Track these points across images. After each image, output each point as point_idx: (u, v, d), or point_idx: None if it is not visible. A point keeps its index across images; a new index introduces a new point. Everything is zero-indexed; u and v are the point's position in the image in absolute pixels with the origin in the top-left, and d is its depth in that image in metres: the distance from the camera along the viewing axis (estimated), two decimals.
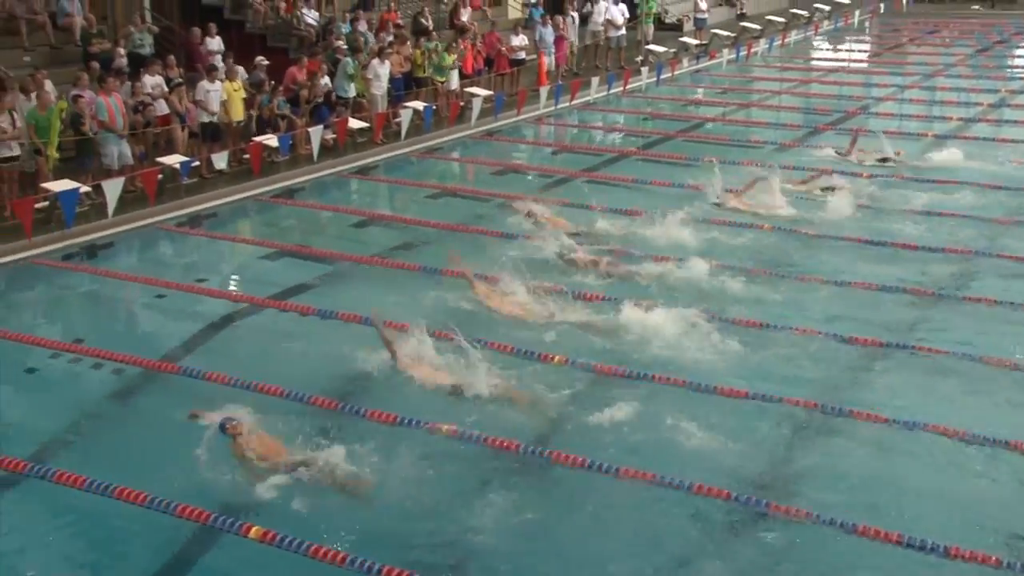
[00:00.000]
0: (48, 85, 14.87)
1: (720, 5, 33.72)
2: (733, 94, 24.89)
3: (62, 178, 13.91)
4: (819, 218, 14.47)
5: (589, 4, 26.14)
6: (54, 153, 14.32)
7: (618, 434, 8.93)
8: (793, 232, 13.94)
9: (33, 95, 14.34)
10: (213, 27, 19.74)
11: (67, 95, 14.93)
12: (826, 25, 35.19)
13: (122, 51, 17.65)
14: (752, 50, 28.89)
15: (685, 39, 28.83)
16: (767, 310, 11.40)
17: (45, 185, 13.75)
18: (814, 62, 30.06)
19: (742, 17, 33.34)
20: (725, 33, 30.15)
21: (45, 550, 7.39)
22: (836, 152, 18.06)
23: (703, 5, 30.09)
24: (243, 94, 16.96)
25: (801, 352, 10.41)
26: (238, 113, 16.80)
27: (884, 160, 17.36)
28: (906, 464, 8.54)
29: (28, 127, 13.95)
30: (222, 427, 8.13)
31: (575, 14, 25.42)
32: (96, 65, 16.25)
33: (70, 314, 11.75)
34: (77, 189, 13.56)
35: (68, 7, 18.55)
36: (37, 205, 13.34)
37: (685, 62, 27.11)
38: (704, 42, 29.34)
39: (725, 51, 28.32)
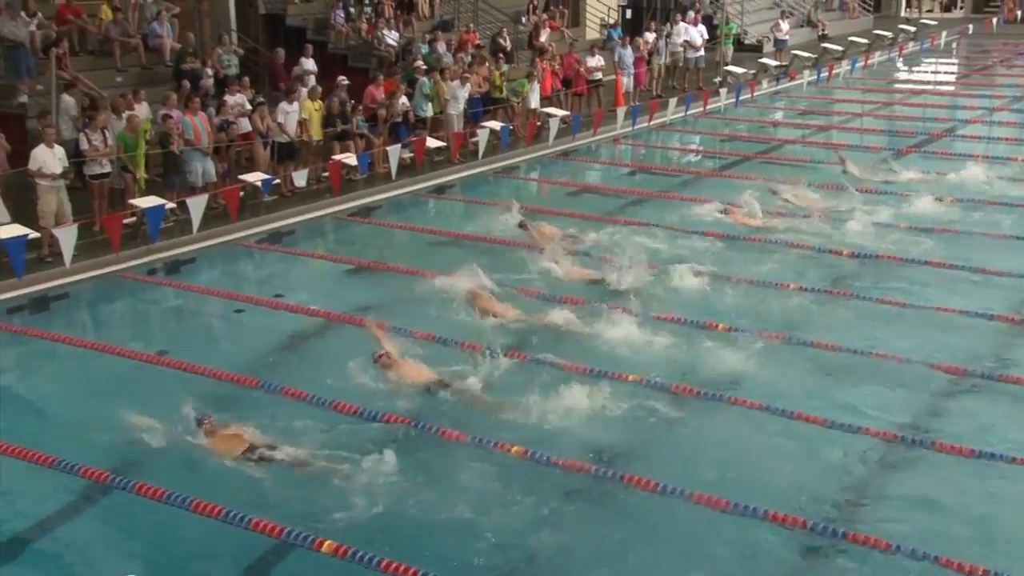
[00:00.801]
0: (144, 108, 15.33)
1: (801, 26, 33.31)
2: (813, 116, 24.53)
3: (149, 195, 14.31)
4: (898, 242, 14.21)
5: (669, 25, 26.07)
6: (143, 174, 14.74)
7: (691, 456, 8.83)
8: (872, 258, 13.69)
9: (124, 115, 14.75)
10: (309, 48, 20.18)
11: (156, 115, 15.35)
12: (911, 46, 34.50)
13: (209, 71, 18.15)
14: (834, 71, 28.44)
15: (764, 60, 28.54)
16: (846, 334, 11.21)
17: (132, 201, 14.14)
18: (898, 84, 29.50)
19: (824, 38, 32.87)
20: (806, 54, 29.77)
21: (123, 559, 7.52)
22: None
23: (784, 26, 29.78)
24: (323, 113, 17.25)
25: (882, 379, 10.20)
26: (317, 132, 17.08)
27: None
28: (989, 497, 8.29)
29: (118, 146, 14.37)
30: (198, 422, 8.69)
31: (651, 35, 25.28)
32: (187, 83, 16.70)
33: (153, 327, 12.03)
34: (163, 205, 13.91)
35: (159, 30, 19.13)
36: (125, 220, 13.72)
37: (764, 83, 26.81)
38: (784, 63, 29.01)
39: (806, 72, 27.93)
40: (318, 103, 17.16)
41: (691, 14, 26.92)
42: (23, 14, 17.27)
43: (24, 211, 13.36)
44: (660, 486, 8.20)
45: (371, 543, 7.39)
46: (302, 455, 8.56)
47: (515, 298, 12.08)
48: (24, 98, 16.61)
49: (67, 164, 13.51)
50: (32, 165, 13.18)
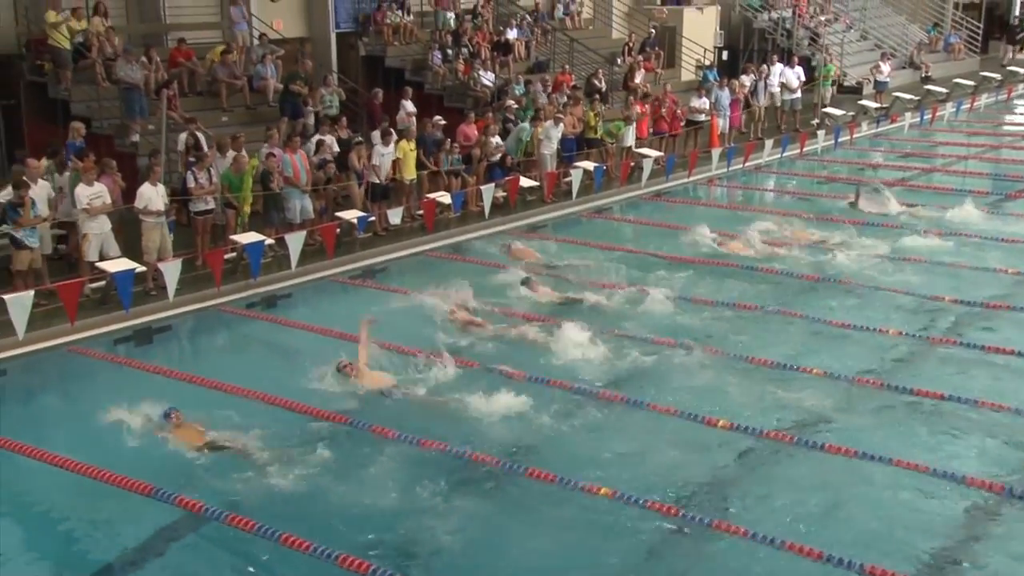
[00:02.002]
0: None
1: (903, 68, 32.66)
2: (915, 159, 23.97)
3: (250, 231, 14.70)
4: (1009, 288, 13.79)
5: (767, 66, 25.85)
6: (248, 209, 15.17)
7: (784, 503, 8.64)
8: (978, 305, 13.29)
9: (229, 155, 15.22)
10: (408, 91, 20.62)
11: (259, 153, 15.81)
12: (1021, 88, 33.46)
13: (311, 110, 18.67)
14: (937, 114, 27.79)
15: (864, 102, 28.04)
16: (946, 380, 10.89)
17: (233, 237, 14.54)
18: (1006, 127, 28.62)
19: (927, 80, 32.14)
20: (908, 96, 29.17)
21: None
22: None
23: (885, 68, 29.23)
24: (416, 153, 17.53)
25: (984, 427, 9.85)
26: (411, 171, 17.34)
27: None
28: None
29: (222, 184, 14.81)
30: (166, 415, 9.72)
31: (747, 77, 25.06)
32: (286, 120, 17.14)
33: (250, 360, 12.26)
34: (263, 241, 14.27)
35: (264, 72, 19.75)
36: (226, 256, 14.10)
37: (864, 126, 26.35)
38: (885, 105, 28.46)
39: (907, 115, 27.35)
40: (412, 144, 17.44)
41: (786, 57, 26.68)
42: (144, 59, 18.03)
43: (131, 246, 13.85)
44: (750, 533, 8.03)
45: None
46: (251, 445, 9.43)
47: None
48: (136, 137, 17.28)
49: (167, 201, 13.98)
50: (138, 202, 13.68)
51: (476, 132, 18.76)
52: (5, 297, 11.61)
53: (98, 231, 13.27)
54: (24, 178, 12.99)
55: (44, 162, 13.89)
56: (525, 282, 14.17)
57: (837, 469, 9.23)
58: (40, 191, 13.16)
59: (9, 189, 12.97)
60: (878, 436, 9.85)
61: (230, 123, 18.71)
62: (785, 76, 25.59)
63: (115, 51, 18.10)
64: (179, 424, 9.74)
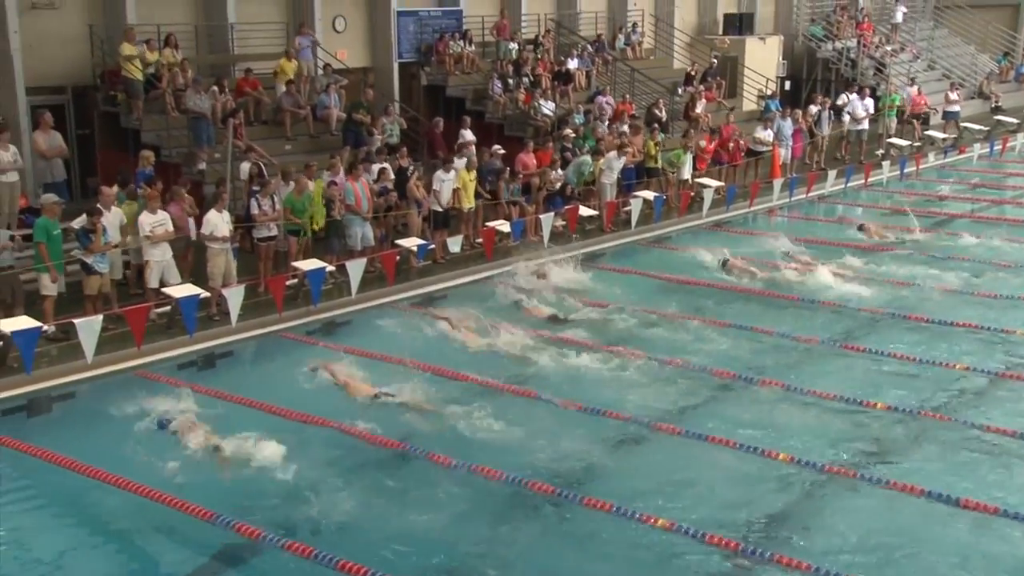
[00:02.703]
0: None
1: (972, 98, 32.12)
2: (984, 190, 23.51)
3: (311, 257, 14.90)
4: None
5: (846, 96, 25.59)
6: (320, 222, 15.36)
7: (846, 539, 8.48)
8: None
9: (292, 181, 15.46)
10: (467, 119, 20.82)
11: (322, 180, 16.04)
12: None
13: (378, 138, 18.93)
14: (1008, 145, 27.24)
15: (931, 132, 27.62)
16: (1016, 417, 10.63)
17: (295, 264, 14.74)
18: None
19: (997, 110, 31.60)
20: (977, 127, 28.66)
21: None
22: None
23: (953, 96, 28.75)
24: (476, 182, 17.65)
25: None
26: (469, 200, 17.44)
27: None
28: None
29: (285, 209, 15.04)
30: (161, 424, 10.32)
31: (816, 108, 24.82)
32: (348, 148, 17.39)
33: (308, 385, 12.34)
34: (323, 268, 14.44)
35: (327, 101, 20.07)
36: (288, 282, 14.29)
37: (931, 156, 25.94)
38: (953, 136, 27.98)
39: (976, 146, 26.87)
40: (472, 173, 17.57)
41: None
42: (212, 88, 18.45)
43: (197, 271, 14.10)
44: (812, 568, 7.88)
45: None
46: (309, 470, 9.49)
47: None
48: (203, 165, 17.65)
49: (232, 228, 14.24)
50: (205, 228, 13.96)
51: (534, 161, 18.81)
52: (75, 321, 11.88)
53: (159, 258, 13.55)
54: (97, 205, 13.33)
55: (114, 190, 14.23)
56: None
57: (902, 506, 9.04)
58: (112, 218, 13.49)
59: (83, 216, 13.32)
60: (945, 473, 9.64)
61: (293, 151, 19.02)
62: (851, 106, 25.33)
63: (185, 82, 18.56)
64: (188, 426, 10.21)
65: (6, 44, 17.46)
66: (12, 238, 13.22)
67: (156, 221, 13.58)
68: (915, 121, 27.60)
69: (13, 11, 17.47)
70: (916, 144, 26.61)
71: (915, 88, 28.64)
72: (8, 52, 17.48)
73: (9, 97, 17.64)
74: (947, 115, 28.64)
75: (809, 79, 32.11)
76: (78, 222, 13.44)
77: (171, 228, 13.69)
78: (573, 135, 20.27)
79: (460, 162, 17.55)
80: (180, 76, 18.75)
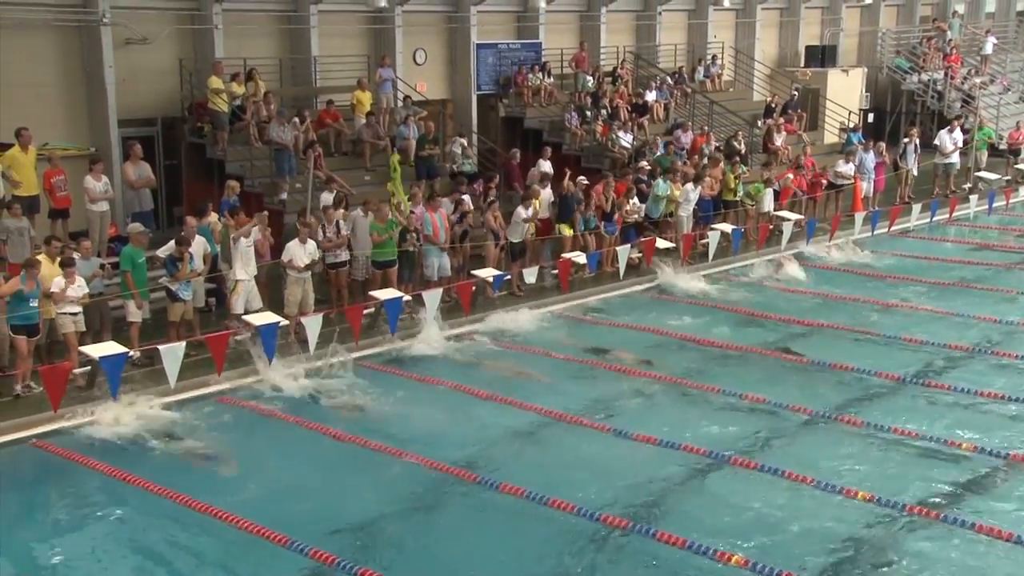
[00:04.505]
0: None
1: None
2: None
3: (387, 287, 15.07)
4: None
5: (948, 131, 25.03)
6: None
7: None
8: None
9: (371, 211, 15.64)
10: (547, 150, 20.92)
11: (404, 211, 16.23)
12: None
13: (454, 167, 19.12)
14: None
15: (1022, 166, 26.86)
16: None
17: (373, 293, 14.90)
18: None
19: None
20: None
21: None
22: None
23: None
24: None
25: None
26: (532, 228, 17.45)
27: None
28: None
29: (372, 233, 15.19)
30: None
31: (914, 141, 24.32)
32: (424, 183, 17.63)
33: (384, 415, 12.42)
34: (400, 298, 14.58)
35: (406, 132, 20.35)
36: (365, 311, 14.44)
37: (1021, 191, 25.22)
38: None
39: None
40: (539, 203, 17.62)
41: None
42: (295, 120, 18.88)
43: (275, 299, 14.35)
44: None
45: None
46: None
47: None
48: (284, 195, 18.02)
49: (316, 258, 14.48)
50: (284, 257, 14.24)
51: (613, 193, 18.74)
52: (160, 348, 12.18)
53: (247, 279, 13.83)
54: (183, 234, 13.70)
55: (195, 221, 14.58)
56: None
57: (987, 551, 8.73)
58: (196, 247, 13.84)
59: (171, 244, 13.69)
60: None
61: (373, 182, 19.30)
62: (940, 140, 24.78)
63: (269, 114, 19.00)
64: None
65: (101, 78, 18.12)
66: (103, 266, 13.64)
67: (248, 244, 13.95)
68: (1011, 155, 26.93)
69: (108, 47, 18.13)
70: (1007, 178, 25.91)
71: (1014, 123, 27.95)
72: (103, 86, 18.13)
73: (103, 129, 18.28)
74: None
75: (893, 111, 31.56)
76: (163, 251, 13.81)
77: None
78: (649, 168, 20.18)
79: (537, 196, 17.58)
80: (264, 108, 19.21)
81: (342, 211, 15.63)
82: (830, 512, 9.42)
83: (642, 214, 18.91)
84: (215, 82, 18.76)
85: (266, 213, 15.30)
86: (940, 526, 9.16)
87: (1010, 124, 28.74)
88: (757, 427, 11.52)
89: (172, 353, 12.08)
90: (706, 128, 24.23)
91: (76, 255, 12.90)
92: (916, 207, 22.01)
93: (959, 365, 13.57)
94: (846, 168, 22.28)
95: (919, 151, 24.42)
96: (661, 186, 19.14)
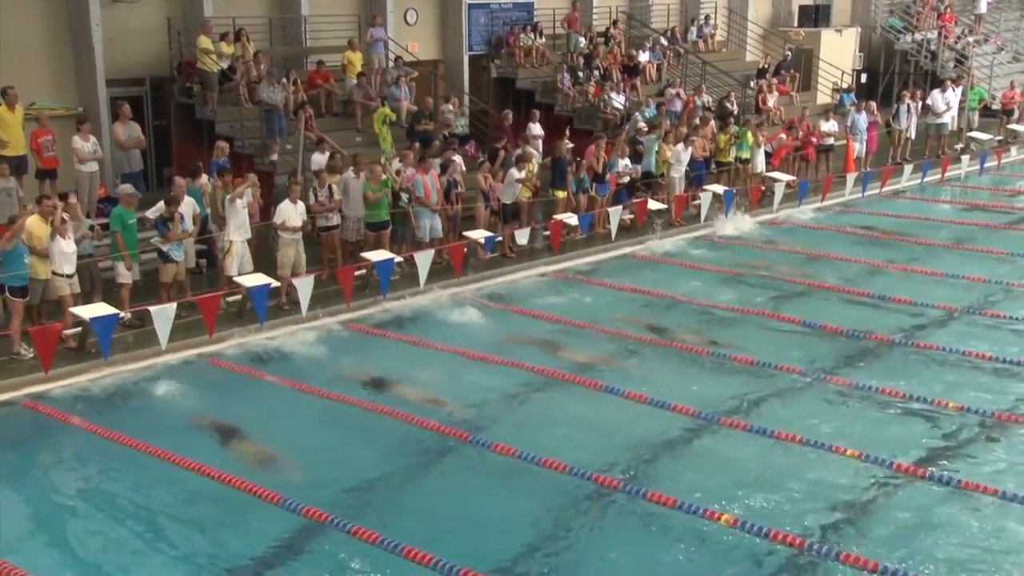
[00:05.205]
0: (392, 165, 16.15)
1: None
2: None
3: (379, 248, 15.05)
4: None
5: (941, 91, 24.91)
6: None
7: (914, 539, 8.36)
8: None
9: (364, 171, 15.56)
10: (536, 113, 20.82)
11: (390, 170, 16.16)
12: None
13: (446, 132, 19.01)
14: None
15: (1014, 126, 26.84)
16: None
17: (364, 254, 14.88)
18: None
19: None
20: None
21: None
22: None
23: None
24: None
25: None
26: (527, 191, 17.39)
27: None
28: None
29: (365, 192, 15.15)
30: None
31: (912, 103, 24.20)
32: (418, 145, 17.56)
33: (375, 375, 12.46)
34: (392, 259, 14.56)
35: (397, 93, 20.21)
36: (357, 273, 14.44)
37: (1013, 151, 25.23)
38: None
39: None
40: (533, 163, 17.56)
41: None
42: (284, 81, 18.73)
43: (263, 261, 14.31)
44: (879, 567, 7.75)
45: None
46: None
47: None
48: (275, 156, 17.93)
49: (306, 218, 14.44)
50: (277, 218, 14.18)
51: (604, 155, 18.70)
52: (151, 309, 12.17)
53: (240, 241, 13.80)
54: (172, 194, 13.64)
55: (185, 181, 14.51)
56: None
57: (975, 508, 8.83)
58: (186, 207, 13.77)
59: (160, 204, 13.64)
60: (1019, 474, 9.40)
61: (364, 143, 19.20)
62: (932, 99, 24.69)
63: (259, 74, 18.85)
64: None
65: (88, 37, 17.93)
66: (92, 227, 13.58)
67: (243, 204, 13.90)
68: (1004, 116, 26.88)
69: (96, 5, 17.92)
70: (998, 138, 25.90)
71: (1007, 83, 27.86)
72: (90, 45, 17.95)
73: (90, 89, 18.12)
74: None
75: (887, 72, 31.43)
76: (153, 211, 13.77)
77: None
78: (646, 130, 20.08)
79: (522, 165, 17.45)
80: (254, 68, 19.06)
81: (341, 173, 15.58)
82: (819, 471, 9.51)
83: (638, 173, 18.91)
84: (204, 42, 18.59)
85: (255, 176, 15.20)
86: (927, 483, 9.26)
87: (1003, 84, 28.68)
88: (747, 387, 11.58)
89: (163, 315, 12.08)
90: (697, 89, 24.06)
91: (65, 215, 12.82)
92: (907, 168, 22.02)
93: (948, 325, 13.65)
94: (828, 126, 22.18)
95: (916, 113, 24.27)
96: (652, 140, 19.13)
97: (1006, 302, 14.48)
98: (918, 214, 20.01)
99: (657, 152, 19.11)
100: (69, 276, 12.47)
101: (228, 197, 13.94)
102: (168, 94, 19.46)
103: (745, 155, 20.49)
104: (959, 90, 25.39)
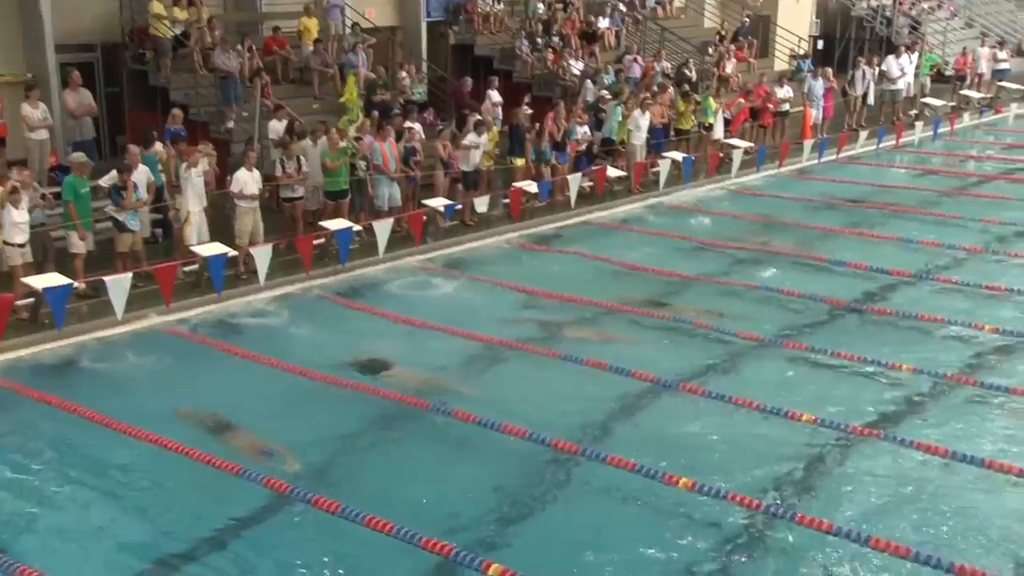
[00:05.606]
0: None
1: (1012, 57, 31.47)
2: (1020, 151, 23.15)
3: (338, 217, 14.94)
4: None
5: (896, 57, 25.06)
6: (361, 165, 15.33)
7: (871, 499, 8.49)
8: None
9: (323, 138, 15.41)
10: (495, 80, 20.69)
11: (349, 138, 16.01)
12: None
13: (401, 100, 18.86)
14: None
15: (966, 92, 27.16)
16: None
17: (323, 223, 14.77)
18: None
19: None
20: (1014, 86, 28.13)
21: (290, 570, 7.80)
22: None
23: (1002, 55, 28.05)
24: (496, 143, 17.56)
25: None
26: (488, 160, 17.36)
27: None
28: None
29: (323, 161, 15.01)
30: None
31: (867, 68, 24.35)
32: (376, 114, 17.42)
33: (332, 345, 12.41)
34: (351, 228, 14.47)
35: (355, 60, 20.00)
36: (315, 242, 14.34)
37: (966, 116, 25.54)
38: (989, 95, 27.49)
39: (1013, 105, 26.43)
40: (493, 132, 17.50)
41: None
42: (239, 47, 18.45)
43: (219, 230, 14.17)
44: (834, 527, 7.90)
45: None
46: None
47: None
48: (231, 124, 17.70)
49: (262, 186, 14.29)
50: (234, 187, 14.02)
51: (564, 122, 18.67)
52: (105, 279, 12.01)
53: (198, 211, 13.64)
54: (127, 162, 13.42)
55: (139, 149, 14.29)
56: None
57: (926, 467, 9.02)
58: (140, 176, 13.56)
59: (113, 173, 13.42)
60: (969, 435, 9.60)
61: (321, 111, 19.00)
62: (887, 65, 24.87)
63: (213, 40, 18.55)
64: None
65: (36, 2, 17.48)
66: (43, 196, 13.34)
67: (198, 172, 13.68)
68: (957, 82, 27.18)
69: None
70: (951, 104, 26.21)
71: (960, 49, 28.14)
72: (38, 9, 17.50)
73: (39, 55, 17.67)
74: (997, 74, 28.00)
75: (843, 38, 31.61)
76: (106, 180, 13.54)
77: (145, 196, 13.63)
78: (610, 98, 20.04)
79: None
80: (208, 35, 18.75)
81: (306, 143, 15.40)
82: (776, 434, 9.63)
83: (598, 142, 18.92)
84: (157, 7, 18.24)
85: (209, 144, 15.00)
86: (881, 444, 9.42)
87: (956, 50, 28.98)
88: (705, 352, 11.69)
89: (118, 285, 11.92)
90: (656, 56, 24.06)
91: (17, 183, 12.57)
92: (863, 134, 22.23)
93: (901, 290, 13.85)
94: (784, 92, 22.29)
95: (873, 80, 24.41)
96: (613, 106, 19.15)
97: (959, 266, 14.71)
98: (874, 180, 20.24)
99: (620, 120, 19.12)
100: (21, 246, 12.26)
101: (183, 166, 13.74)
102: (120, 61, 19.10)
103: (709, 120, 20.56)
104: (914, 56, 25.62)
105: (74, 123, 16.33)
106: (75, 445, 9.63)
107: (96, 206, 13.54)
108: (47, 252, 12.99)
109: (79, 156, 13.64)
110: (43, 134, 15.59)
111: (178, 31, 18.58)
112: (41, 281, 11.80)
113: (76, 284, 12.15)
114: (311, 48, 19.90)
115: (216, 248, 13.21)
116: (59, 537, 8.21)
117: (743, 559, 7.83)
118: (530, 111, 18.55)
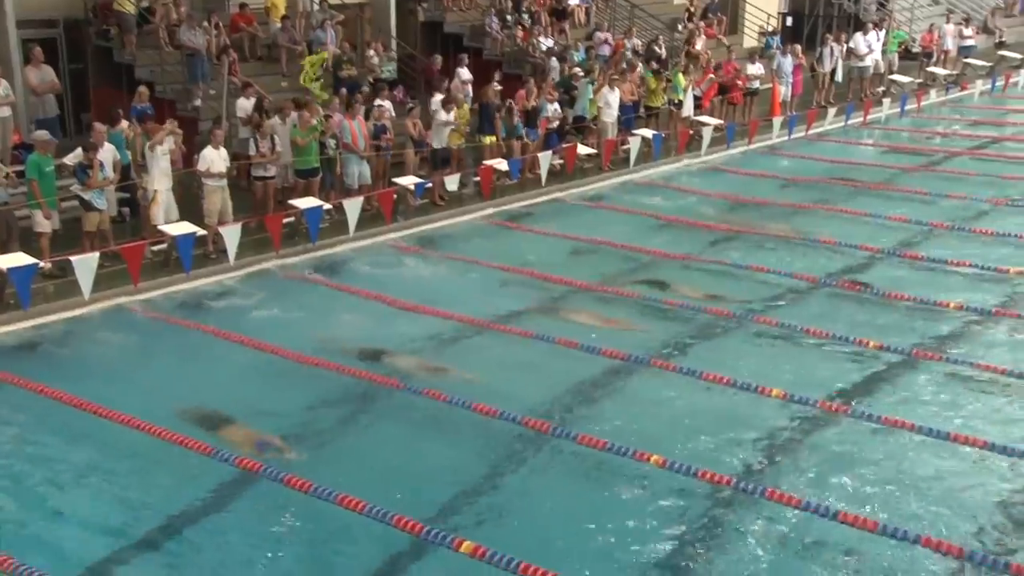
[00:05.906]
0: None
1: (977, 33, 31.71)
2: (986, 127, 23.37)
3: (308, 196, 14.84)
4: None
5: (863, 34, 25.12)
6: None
7: (839, 474, 8.64)
8: None
9: (292, 115, 15.26)
10: (464, 57, 20.56)
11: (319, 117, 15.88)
12: None
13: (371, 79, 18.71)
14: (1011, 81, 27.01)
15: (933, 69, 27.35)
16: (1009, 355, 10.69)
17: (292, 202, 14.67)
18: None
19: (1001, 45, 31.24)
20: (980, 63, 28.35)
21: (263, 547, 7.80)
22: None
23: (968, 32, 28.24)
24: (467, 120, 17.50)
25: None
26: (459, 138, 17.28)
27: None
28: None
29: (292, 142, 14.87)
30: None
31: (835, 45, 24.42)
32: (344, 91, 17.28)
33: (302, 323, 12.35)
34: (321, 207, 14.38)
35: (323, 37, 19.80)
36: (285, 220, 14.24)
37: (933, 93, 25.73)
38: (956, 72, 27.69)
39: (979, 82, 26.64)
40: (464, 110, 17.42)
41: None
42: (206, 24, 18.21)
43: (187, 209, 14.03)
44: (803, 503, 8.00)
45: None
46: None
47: None
48: (198, 102, 17.49)
49: (229, 164, 14.16)
50: (201, 165, 13.88)
51: (534, 99, 18.63)
52: (72, 258, 11.88)
53: (165, 190, 13.48)
54: (92, 140, 13.24)
55: (106, 127, 14.10)
56: None
57: (895, 441, 9.14)
58: (106, 154, 13.40)
59: (78, 151, 13.23)
60: (936, 410, 9.73)
61: (289, 88, 18.82)
62: (855, 42, 24.96)
63: (179, 17, 18.30)
64: None
65: None
66: (7, 175, 13.14)
67: (164, 151, 13.51)
68: (924, 59, 27.35)
69: None
70: (918, 81, 26.38)
71: (927, 26, 28.30)
72: None
73: None
74: (964, 50, 28.20)
75: (811, 15, 31.68)
76: (71, 158, 13.35)
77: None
78: (582, 75, 19.98)
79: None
80: (174, 11, 18.49)
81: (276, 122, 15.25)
82: (745, 410, 9.72)
83: (569, 117, 18.90)
84: None
85: (175, 122, 14.81)
86: (849, 420, 9.53)
87: (923, 27, 29.14)
88: (677, 330, 11.76)
89: (85, 264, 11.80)
90: (626, 33, 24.02)
91: None
92: (831, 111, 22.35)
93: (871, 266, 13.98)
94: (753, 68, 22.34)
95: (841, 56, 24.49)
96: (585, 83, 19.13)
97: (926, 243, 14.86)
98: (842, 157, 20.36)
99: (591, 98, 19.10)
100: None
101: (148, 144, 13.58)
102: (84, 37, 18.80)
103: (679, 97, 20.58)
104: (881, 33, 25.74)
105: (37, 100, 16.07)
106: (42, 426, 9.54)
107: (62, 184, 13.37)
108: (11, 231, 12.81)
109: (42, 134, 13.44)
110: (5, 111, 15.33)
111: (143, 6, 18.30)
112: (6, 261, 11.66)
113: (42, 264, 12.02)
114: (279, 25, 19.70)
115: (185, 227, 13.10)
116: (29, 519, 8.14)
117: (714, 535, 7.90)
118: (500, 88, 18.45)
